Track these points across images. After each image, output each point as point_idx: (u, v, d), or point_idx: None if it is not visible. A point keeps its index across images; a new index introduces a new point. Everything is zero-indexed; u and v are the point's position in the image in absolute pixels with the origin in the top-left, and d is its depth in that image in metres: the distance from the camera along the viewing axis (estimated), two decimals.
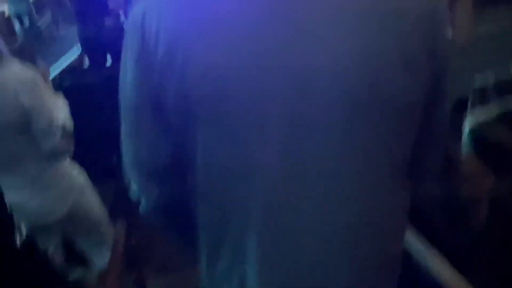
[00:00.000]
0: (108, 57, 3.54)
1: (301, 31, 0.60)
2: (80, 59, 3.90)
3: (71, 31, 5.61)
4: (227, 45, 0.62)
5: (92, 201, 1.93)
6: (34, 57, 1.83)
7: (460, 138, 1.58)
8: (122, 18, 3.68)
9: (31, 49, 1.80)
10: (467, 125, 1.66)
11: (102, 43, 3.38)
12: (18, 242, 1.75)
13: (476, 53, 1.95)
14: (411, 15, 0.63)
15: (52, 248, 1.84)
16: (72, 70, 3.65)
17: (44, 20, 6.88)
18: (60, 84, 3.23)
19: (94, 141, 2.71)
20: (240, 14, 0.62)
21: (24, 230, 1.75)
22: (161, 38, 0.63)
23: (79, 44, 3.71)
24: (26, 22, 6.98)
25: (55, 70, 3.36)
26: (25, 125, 1.60)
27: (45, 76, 1.77)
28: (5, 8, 5.83)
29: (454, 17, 1.70)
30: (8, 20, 5.84)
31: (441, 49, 0.67)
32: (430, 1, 0.66)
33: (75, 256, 1.96)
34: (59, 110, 1.69)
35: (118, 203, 2.20)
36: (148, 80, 0.67)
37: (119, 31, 3.42)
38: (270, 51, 0.61)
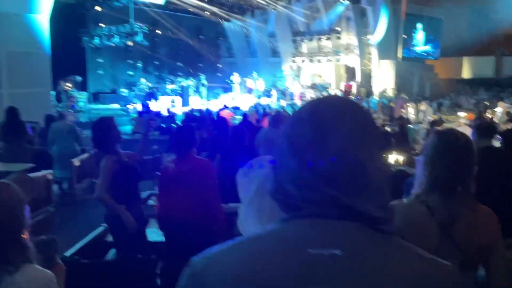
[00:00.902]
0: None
1: None
2: (102, 234, 4.00)
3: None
4: None
5: None
6: (55, 251, 1.89)
7: None
8: (151, 201, 3.88)
9: (54, 242, 1.87)
10: None
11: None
12: None
13: None
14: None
15: None
16: (93, 245, 3.72)
17: (81, 186, 7.36)
18: (78, 261, 3.27)
19: None
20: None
21: None
22: None
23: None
24: (65, 186, 7.49)
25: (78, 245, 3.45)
26: None
27: (60, 273, 1.80)
28: (49, 173, 6.31)
29: None
30: (48, 183, 6.26)
31: None
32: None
33: None
34: None
35: None
36: None
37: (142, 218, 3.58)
38: None
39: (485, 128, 3.53)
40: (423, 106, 16.33)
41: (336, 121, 0.79)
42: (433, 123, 10.21)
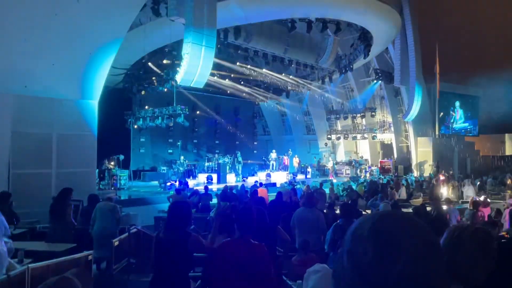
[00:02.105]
0: None
1: None
2: None
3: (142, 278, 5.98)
4: None
5: None
6: None
7: None
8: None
9: None
10: None
11: None
12: None
13: None
14: None
15: None
16: None
17: (119, 265, 7.39)
18: None
19: None
20: None
21: None
22: None
23: None
24: (103, 266, 7.55)
25: None
26: None
27: None
28: (90, 254, 6.42)
29: None
30: (88, 264, 6.34)
31: None
32: None
33: None
34: None
35: None
36: None
37: None
38: None
39: None
40: (465, 185, 15.77)
41: (398, 241, 0.78)
42: (477, 204, 9.80)
